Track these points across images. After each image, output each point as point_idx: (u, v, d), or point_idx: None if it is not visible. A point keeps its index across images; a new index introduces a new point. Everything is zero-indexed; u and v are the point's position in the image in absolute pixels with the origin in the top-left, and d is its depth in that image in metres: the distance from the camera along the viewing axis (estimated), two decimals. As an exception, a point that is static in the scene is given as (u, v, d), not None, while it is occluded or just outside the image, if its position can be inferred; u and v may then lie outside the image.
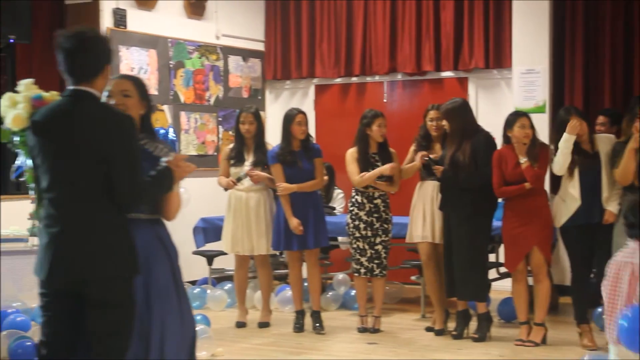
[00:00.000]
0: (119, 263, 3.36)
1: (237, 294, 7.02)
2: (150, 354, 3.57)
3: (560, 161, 5.98)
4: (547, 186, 6.66)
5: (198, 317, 6.42)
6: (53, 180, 3.35)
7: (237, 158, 6.76)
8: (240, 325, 6.89)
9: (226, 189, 6.80)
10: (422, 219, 6.54)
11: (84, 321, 3.38)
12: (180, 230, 8.22)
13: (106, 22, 8.04)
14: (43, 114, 3.42)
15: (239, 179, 6.68)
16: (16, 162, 3.67)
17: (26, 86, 3.56)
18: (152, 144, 3.73)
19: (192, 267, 8.38)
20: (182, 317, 3.74)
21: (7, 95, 3.54)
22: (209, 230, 7.87)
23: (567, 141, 5.93)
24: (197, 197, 8.45)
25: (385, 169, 6.44)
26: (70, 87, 3.39)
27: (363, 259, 6.56)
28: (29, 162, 3.55)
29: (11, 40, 7.58)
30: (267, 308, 6.97)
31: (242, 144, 6.78)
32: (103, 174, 3.32)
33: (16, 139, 3.56)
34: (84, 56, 3.36)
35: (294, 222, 6.50)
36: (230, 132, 9.12)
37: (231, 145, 6.88)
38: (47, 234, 3.35)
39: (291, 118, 6.61)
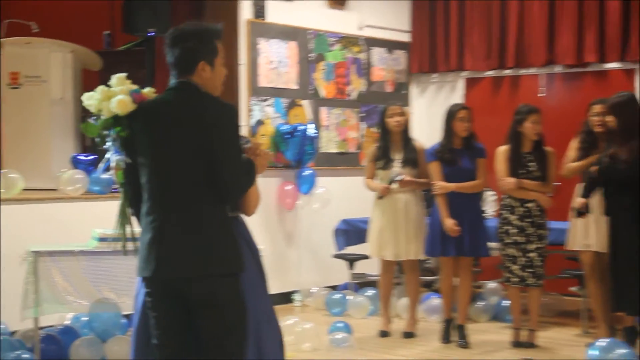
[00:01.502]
0: (225, 259, 3.42)
1: (382, 300, 7.02)
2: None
3: None
4: None
5: (339, 325, 6.49)
6: (155, 172, 3.44)
7: (384, 158, 6.75)
8: (384, 334, 6.89)
9: (381, 197, 6.76)
10: (585, 224, 6.35)
11: (193, 321, 3.45)
12: (320, 232, 8.43)
13: (245, 13, 8.21)
14: (148, 102, 3.57)
15: (391, 182, 6.66)
16: (106, 156, 3.75)
17: (119, 80, 3.65)
18: None
19: (332, 271, 8.47)
20: (270, 316, 3.76)
21: (100, 89, 3.64)
22: (350, 232, 7.92)
23: None
24: (338, 198, 8.52)
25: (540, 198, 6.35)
26: (173, 80, 3.53)
27: (515, 267, 6.44)
28: (120, 157, 3.61)
29: (151, 34, 7.87)
30: (413, 317, 6.93)
31: (388, 141, 6.78)
32: (206, 164, 3.39)
33: (110, 131, 3.63)
34: (177, 50, 3.49)
35: (449, 223, 6.45)
36: (373, 130, 9.13)
37: (376, 145, 6.88)
38: (150, 229, 3.42)
39: (454, 113, 6.58)
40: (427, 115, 9.38)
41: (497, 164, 6.53)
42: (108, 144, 3.63)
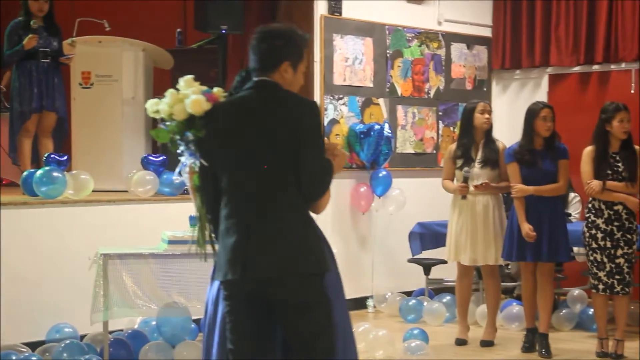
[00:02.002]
0: (313, 258, 3.48)
1: (459, 307, 6.99)
2: None
3: None
4: None
5: (415, 332, 6.50)
6: (238, 173, 3.49)
7: (465, 157, 6.73)
8: (461, 342, 6.86)
9: (463, 197, 6.72)
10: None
11: (274, 324, 3.51)
12: (395, 235, 8.44)
13: (320, 9, 8.26)
14: (226, 102, 3.63)
15: (465, 180, 6.64)
16: (180, 160, 3.78)
17: (187, 82, 3.70)
18: None
19: (407, 276, 8.47)
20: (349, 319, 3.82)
21: (170, 92, 3.67)
22: (426, 236, 7.90)
23: None
24: (414, 200, 8.51)
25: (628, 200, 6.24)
26: (253, 80, 3.59)
27: (601, 274, 6.36)
28: (196, 160, 3.65)
29: (223, 31, 7.98)
30: (493, 325, 6.90)
31: (470, 140, 6.74)
32: (291, 163, 3.47)
33: (185, 134, 3.66)
34: (264, 46, 3.57)
35: (526, 228, 6.42)
36: (452, 129, 9.11)
37: (457, 143, 6.86)
38: (235, 231, 3.47)
39: (535, 112, 6.56)
40: (508, 114, 9.30)
41: (582, 165, 6.45)
42: (181, 148, 3.66)
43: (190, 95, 3.61)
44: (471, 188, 6.67)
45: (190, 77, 3.71)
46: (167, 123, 3.69)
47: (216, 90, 3.69)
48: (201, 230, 3.74)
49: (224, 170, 3.54)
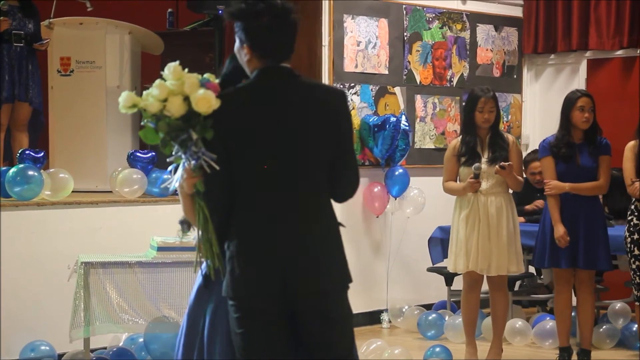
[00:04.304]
0: (347, 269, 3.55)
1: (466, 326, 6.84)
2: None
3: None
4: None
5: (437, 350, 6.49)
6: (267, 177, 3.45)
7: (469, 154, 6.66)
8: (470, 367, 6.78)
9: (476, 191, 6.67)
10: None
11: (309, 337, 3.53)
12: (412, 241, 8.43)
13: (330, -14, 8.28)
14: (236, 94, 3.51)
15: (476, 176, 6.55)
16: (170, 168, 3.57)
17: (174, 72, 3.40)
18: None
19: (427, 287, 8.48)
20: None
21: (159, 84, 3.39)
22: (448, 242, 7.86)
23: None
24: (434, 201, 8.50)
25: None
26: (263, 67, 3.49)
27: (646, 284, 6.38)
28: (199, 163, 3.44)
29: (220, 12, 7.99)
30: (499, 344, 6.80)
31: (474, 135, 6.68)
32: (327, 163, 3.49)
33: (187, 134, 3.45)
34: (288, 28, 3.50)
35: (560, 230, 6.44)
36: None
37: (459, 139, 6.80)
38: (266, 243, 3.44)
39: (572, 102, 6.58)
40: (541, 104, 9.32)
41: (624, 162, 6.46)
42: (175, 149, 3.44)
43: (192, 89, 3.38)
44: (484, 186, 6.60)
45: (176, 64, 3.45)
46: (157, 121, 3.42)
47: (208, 75, 3.51)
48: (205, 240, 3.54)
49: (245, 174, 3.46)
